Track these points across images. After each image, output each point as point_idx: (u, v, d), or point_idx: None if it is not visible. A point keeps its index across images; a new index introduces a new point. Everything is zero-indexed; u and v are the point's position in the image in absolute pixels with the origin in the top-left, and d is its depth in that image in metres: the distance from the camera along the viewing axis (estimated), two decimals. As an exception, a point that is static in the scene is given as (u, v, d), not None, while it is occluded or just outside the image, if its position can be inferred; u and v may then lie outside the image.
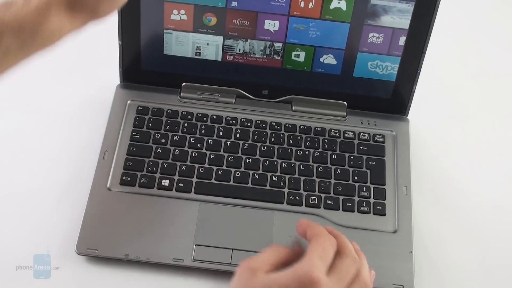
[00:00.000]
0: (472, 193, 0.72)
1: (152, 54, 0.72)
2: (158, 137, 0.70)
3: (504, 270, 0.67)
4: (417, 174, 0.71)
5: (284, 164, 0.69)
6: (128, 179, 0.67)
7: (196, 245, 0.63)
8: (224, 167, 0.69)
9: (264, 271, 0.50)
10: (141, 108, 0.72)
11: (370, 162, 0.70)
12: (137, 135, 0.70)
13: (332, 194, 0.68)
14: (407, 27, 0.69)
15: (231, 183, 0.68)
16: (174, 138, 0.70)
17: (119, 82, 0.74)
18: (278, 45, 0.71)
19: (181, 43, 0.71)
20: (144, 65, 0.73)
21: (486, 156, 0.75)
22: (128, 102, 0.72)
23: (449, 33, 0.85)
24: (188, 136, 0.70)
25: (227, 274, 0.63)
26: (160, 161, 0.68)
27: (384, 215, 0.67)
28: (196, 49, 0.72)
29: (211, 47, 0.71)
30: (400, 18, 0.68)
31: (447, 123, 0.78)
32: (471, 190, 0.72)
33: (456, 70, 0.82)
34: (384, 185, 0.69)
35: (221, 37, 0.71)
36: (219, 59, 0.72)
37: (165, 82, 0.67)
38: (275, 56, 0.72)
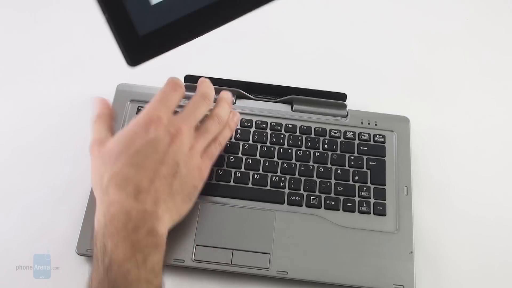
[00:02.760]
0: (472, 193, 0.72)
1: (141, 12, 0.62)
2: (159, 137, 0.70)
3: (504, 270, 0.67)
4: (418, 174, 0.71)
5: (284, 165, 0.69)
6: (128, 179, 0.67)
7: (196, 245, 0.63)
8: (224, 168, 0.69)
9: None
10: (141, 108, 0.72)
11: (370, 162, 0.70)
12: (138, 135, 0.70)
13: (332, 195, 0.68)
14: None
15: (232, 183, 0.68)
16: (175, 139, 0.70)
17: (119, 82, 0.74)
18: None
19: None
20: (140, 29, 0.64)
21: (486, 156, 0.75)
22: (128, 102, 0.72)
23: (449, 33, 0.85)
24: (188, 136, 0.70)
25: (228, 275, 0.63)
26: (161, 162, 0.68)
27: (385, 215, 0.67)
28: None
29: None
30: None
31: (447, 123, 0.78)
32: (472, 190, 0.72)
33: (456, 69, 0.82)
34: (385, 185, 0.69)
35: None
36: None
37: (171, 39, 0.61)
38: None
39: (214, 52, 0.80)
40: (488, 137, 0.77)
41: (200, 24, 0.58)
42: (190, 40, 0.59)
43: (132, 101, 0.72)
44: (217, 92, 0.73)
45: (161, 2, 0.57)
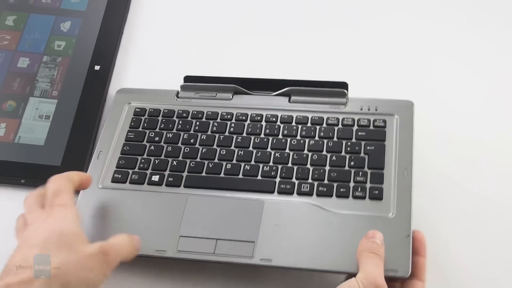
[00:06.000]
0: (474, 187, 0.68)
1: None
2: (153, 135, 0.70)
3: (504, 264, 0.64)
4: (420, 161, 0.67)
5: (277, 154, 0.67)
6: (119, 176, 0.67)
7: (181, 236, 0.62)
8: (215, 160, 0.67)
9: None
10: (138, 109, 0.72)
11: (368, 147, 0.66)
12: (132, 135, 0.70)
13: (325, 181, 0.64)
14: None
15: (222, 175, 0.66)
16: (168, 136, 0.70)
17: (120, 87, 0.75)
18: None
19: None
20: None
21: (489, 152, 0.71)
22: (127, 104, 0.73)
23: (452, 29, 0.81)
24: (182, 133, 0.70)
25: (210, 264, 0.61)
26: (152, 158, 0.68)
27: (381, 199, 0.62)
28: None
29: None
30: None
31: (453, 111, 0.74)
32: (474, 184, 0.69)
33: (461, 61, 0.78)
34: (383, 169, 0.64)
35: None
36: None
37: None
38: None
39: (214, 52, 0.80)
40: (489, 134, 0.72)
41: None
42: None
43: (130, 103, 0.73)
44: (215, 89, 0.73)
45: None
